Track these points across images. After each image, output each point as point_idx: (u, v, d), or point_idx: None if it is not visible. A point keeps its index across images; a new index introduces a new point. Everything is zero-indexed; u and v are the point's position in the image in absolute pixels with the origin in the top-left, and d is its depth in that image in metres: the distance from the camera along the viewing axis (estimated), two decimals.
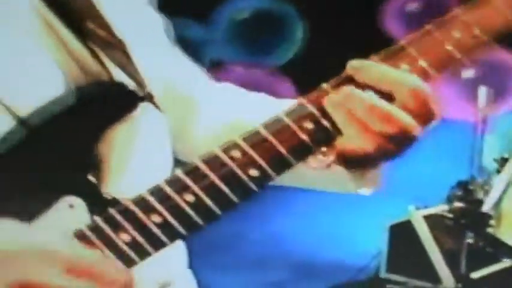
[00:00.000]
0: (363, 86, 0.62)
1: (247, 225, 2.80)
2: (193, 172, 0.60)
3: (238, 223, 2.19)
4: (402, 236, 2.22)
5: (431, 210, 2.11)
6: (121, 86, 0.64)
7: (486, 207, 1.79)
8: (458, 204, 1.92)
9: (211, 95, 0.81)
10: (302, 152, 0.61)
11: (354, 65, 0.63)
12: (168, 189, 0.59)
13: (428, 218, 2.11)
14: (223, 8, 3.09)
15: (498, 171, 1.89)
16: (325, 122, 0.61)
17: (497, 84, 2.94)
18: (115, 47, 0.67)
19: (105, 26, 0.68)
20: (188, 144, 0.77)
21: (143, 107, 0.65)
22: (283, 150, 0.61)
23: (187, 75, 0.81)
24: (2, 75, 0.63)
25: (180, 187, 0.59)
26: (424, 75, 0.62)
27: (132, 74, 0.66)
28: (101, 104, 0.63)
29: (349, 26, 3.08)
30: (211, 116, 0.80)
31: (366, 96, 0.61)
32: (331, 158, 0.62)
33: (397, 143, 0.61)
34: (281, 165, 0.61)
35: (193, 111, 0.79)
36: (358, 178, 0.66)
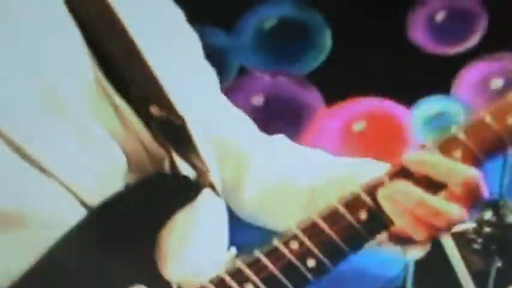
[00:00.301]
0: (418, 177, 0.66)
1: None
2: (254, 264, 0.63)
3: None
4: (429, 252, 2.19)
5: (459, 228, 2.08)
6: (183, 178, 0.67)
7: None
8: (487, 229, 1.89)
9: (263, 153, 0.84)
10: (357, 242, 0.65)
11: (408, 158, 0.68)
12: (228, 280, 0.62)
13: (456, 236, 2.08)
14: (250, 16, 3.09)
15: None
16: (379, 213, 0.65)
17: None
18: (176, 127, 0.69)
19: (168, 106, 0.69)
20: (236, 200, 0.81)
21: (203, 192, 0.68)
22: (339, 241, 0.65)
23: (241, 132, 0.84)
24: (70, 160, 0.63)
25: (241, 278, 0.62)
26: (475, 161, 0.67)
27: (194, 161, 0.68)
28: (163, 197, 0.66)
29: (376, 35, 3.07)
30: (262, 174, 0.83)
31: (417, 192, 0.65)
32: (382, 237, 0.67)
33: (446, 229, 0.67)
34: (337, 255, 0.65)
35: (245, 169, 0.84)
36: (408, 247, 0.71)
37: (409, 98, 3.00)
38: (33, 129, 0.62)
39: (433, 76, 2.99)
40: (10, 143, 0.60)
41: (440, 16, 3.02)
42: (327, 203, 0.65)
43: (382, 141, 2.91)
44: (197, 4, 2.86)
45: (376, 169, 0.70)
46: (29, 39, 0.64)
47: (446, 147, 0.66)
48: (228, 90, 2.93)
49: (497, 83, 2.92)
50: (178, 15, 0.80)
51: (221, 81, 0.85)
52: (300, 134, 2.92)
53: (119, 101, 0.66)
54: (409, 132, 2.92)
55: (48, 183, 0.62)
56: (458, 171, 0.64)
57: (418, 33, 3.05)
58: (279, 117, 2.88)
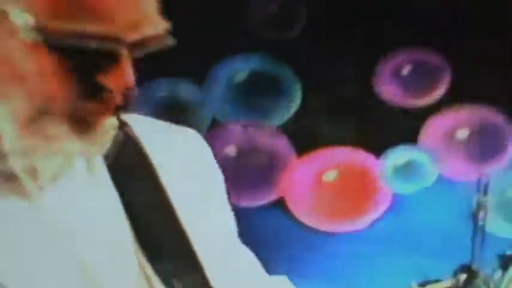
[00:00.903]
0: None
1: None
2: None
3: None
4: None
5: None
6: None
7: None
8: None
9: None
10: None
11: None
12: None
13: None
14: (221, 69, 3.15)
15: (503, 268, 1.84)
16: None
17: (490, 144, 2.97)
18: None
19: (198, 271, 0.72)
20: None
21: None
22: None
23: (248, 269, 0.82)
24: None
25: None
26: None
27: None
28: None
29: (345, 87, 3.14)
30: None
31: None
32: None
33: None
34: None
35: None
36: None
37: (378, 148, 3.07)
38: None
39: (401, 127, 3.06)
40: None
41: (405, 70, 3.12)
42: None
43: (352, 190, 2.95)
44: (170, 59, 2.92)
45: None
46: (74, 226, 0.66)
47: None
48: None
49: (462, 133, 3.00)
50: (207, 155, 0.81)
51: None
52: (272, 184, 2.95)
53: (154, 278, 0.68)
54: (379, 181, 2.97)
55: None
56: None
57: (385, 87, 3.14)
58: (251, 168, 2.92)
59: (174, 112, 2.81)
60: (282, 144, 3.00)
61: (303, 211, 2.97)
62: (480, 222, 2.01)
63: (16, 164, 0.64)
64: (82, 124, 0.63)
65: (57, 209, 0.66)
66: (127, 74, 0.63)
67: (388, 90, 3.12)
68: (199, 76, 3.13)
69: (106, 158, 0.68)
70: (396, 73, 3.11)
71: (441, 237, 2.80)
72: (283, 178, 2.94)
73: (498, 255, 1.88)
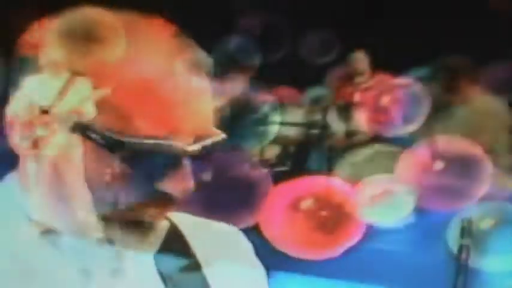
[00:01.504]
0: None
1: None
2: None
3: None
4: None
5: None
6: None
7: None
8: None
9: None
10: None
11: None
12: None
13: None
14: None
15: None
16: None
17: (467, 175, 3.00)
18: None
19: None
20: None
21: None
22: None
23: None
24: None
25: None
26: None
27: None
28: None
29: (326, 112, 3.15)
30: None
31: None
32: None
33: None
34: None
35: None
36: None
37: (355, 177, 3.07)
38: None
39: (377, 157, 3.07)
40: None
41: (384, 100, 3.14)
42: None
43: (329, 218, 2.95)
44: None
45: None
46: None
47: None
48: None
49: (438, 164, 3.02)
50: (249, 250, 0.84)
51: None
52: (249, 210, 2.94)
53: None
54: (354, 211, 2.97)
55: None
56: None
57: (365, 115, 3.16)
58: (228, 194, 2.90)
59: None
60: (260, 171, 2.99)
61: (278, 238, 2.95)
62: (463, 263, 1.99)
63: (72, 267, 0.67)
64: (139, 227, 0.67)
65: None
66: (187, 179, 0.68)
67: (368, 119, 3.14)
68: None
69: (155, 253, 0.72)
70: (375, 102, 3.13)
71: (417, 270, 2.80)
72: (260, 205, 2.93)
73: None
